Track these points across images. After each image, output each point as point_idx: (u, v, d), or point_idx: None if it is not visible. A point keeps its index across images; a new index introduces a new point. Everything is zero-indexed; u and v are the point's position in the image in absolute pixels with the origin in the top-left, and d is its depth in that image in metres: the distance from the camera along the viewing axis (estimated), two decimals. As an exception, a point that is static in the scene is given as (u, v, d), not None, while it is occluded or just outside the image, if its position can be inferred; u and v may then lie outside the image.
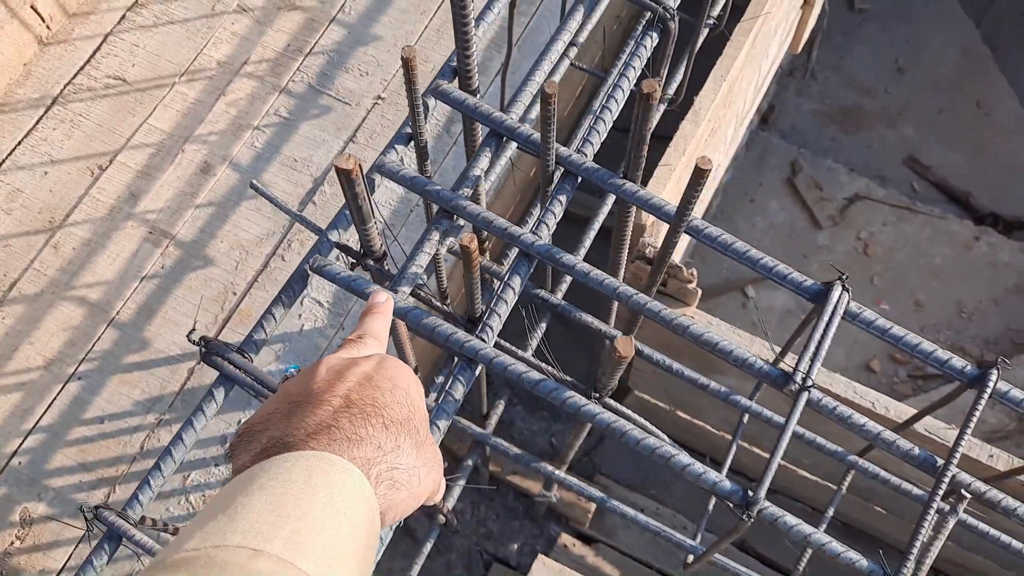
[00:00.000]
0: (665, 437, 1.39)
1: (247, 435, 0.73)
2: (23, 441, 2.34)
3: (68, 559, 2.25)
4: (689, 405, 2.90)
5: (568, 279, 2.15)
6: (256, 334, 1.39)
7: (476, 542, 3.08)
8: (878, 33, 6.17)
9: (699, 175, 1.28)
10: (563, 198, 1.49)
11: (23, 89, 2.72)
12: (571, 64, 2.15)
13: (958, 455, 1.34)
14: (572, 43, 2.23)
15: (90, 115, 2.70)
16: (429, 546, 2.04)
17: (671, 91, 2.24)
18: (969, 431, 1.35)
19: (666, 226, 1.57)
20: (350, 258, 1.47)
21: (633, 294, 1.40)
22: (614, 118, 1.55)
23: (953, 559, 3.32)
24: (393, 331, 1.21)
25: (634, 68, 1.56)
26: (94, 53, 2.78)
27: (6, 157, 2.64)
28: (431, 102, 1.48)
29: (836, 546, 1.31)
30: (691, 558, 1.85)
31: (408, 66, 1.34)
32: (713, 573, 2.42)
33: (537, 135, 1.45)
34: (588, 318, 1.96)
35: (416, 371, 1.25)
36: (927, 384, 4.93)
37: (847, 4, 6.23)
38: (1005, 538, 1.64)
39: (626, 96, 1.57)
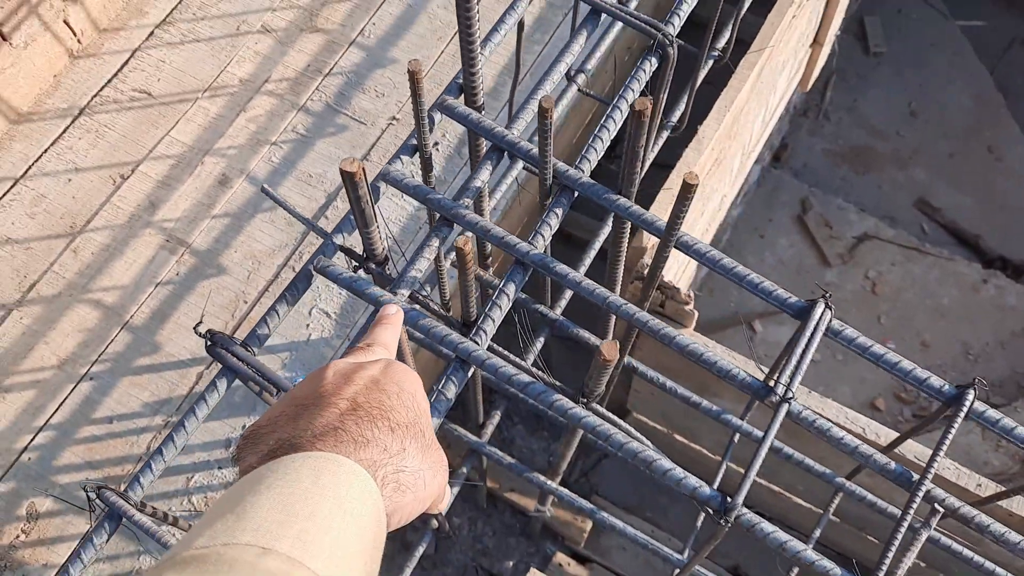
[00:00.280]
0: (649, 443, 1.43)
1: (254, 437, 0.74)
2: (33, 438, 2.41)
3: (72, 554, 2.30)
4: (686, 428, 2.94)
5: (566, 297, 2.20)
6: (260, 329, 1.45)
7: (472, 558, 3.12)
8: (892, 77, 6.25)
9: (687, 189, 1.34)
10: (559, 211, 1.55)
11: (52, 99, 2.82)
12: (578, 90, 2.24)
13: (933, 471, 1.38)
14: (580, 70, 2.32)
15: (115, 126, 2.80)
16: (421, 550, 2.08)
17: (674, 118, 2.31)
18: (945, 447, 1.39)
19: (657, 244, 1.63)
20: (353, 261, 1.53)
21: (622, 304, 1.45)
22: (611, 137, 1.61)
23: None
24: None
25: (632, 91, 1.63)
26: (122, 67, 2.88)
27: (32, 164, 2.73)
28: (446, 126, 1.56)
29: (810, 554, 1.35)
30: (677, 572, 1.89)
31: (414, 79, 1.41)
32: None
33: (536, 150, 1.52)
34: (585, 333, 2.01)
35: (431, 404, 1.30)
36: (933, 424, 4.92)
37: (862, 48, 6.32)
38: (978, 559, 1.67)
39: (624, 117, 1.63)
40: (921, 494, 1.36)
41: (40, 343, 2.51)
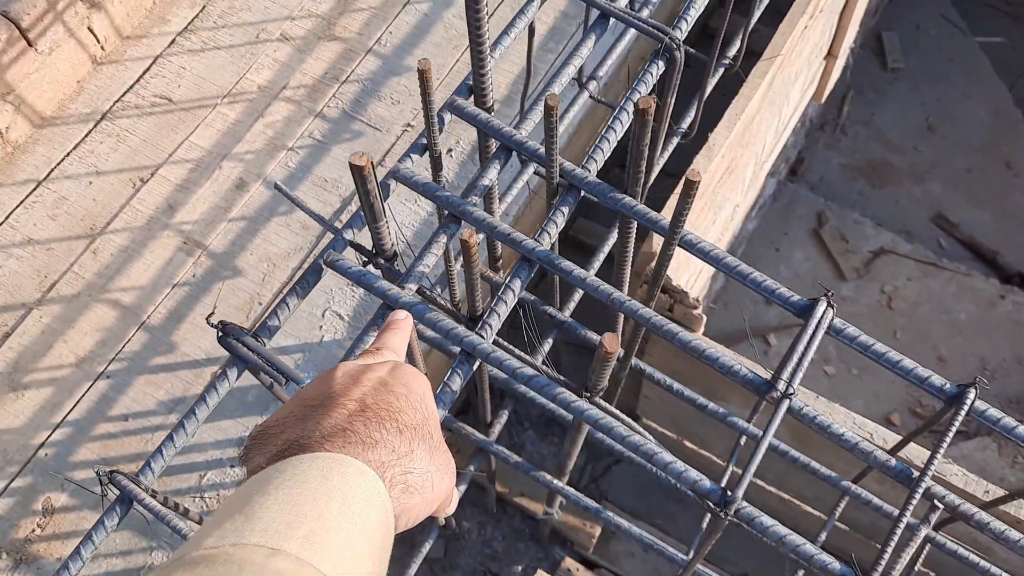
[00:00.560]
0: (650, 436, 1.45)
1: (261, 437, 0.74)
2: (51, 434, 2.45)
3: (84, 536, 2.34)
4: (695, 435, 2.95)
5: (575, 299, 2.23)
6: (270, 321, 1.48)
7: (481, 562, 3.13)
8: (910, 92, 6.24)
9: (689, 186, 1.36)
10: (565, 210, 1.58)
11: (75, 104, 2.88)
12: (590, 97, 2.26)
13: (933, 467, 1.39)
14: (592, 77, 2.35)
15: (136, 131, 2.85)
16: (427, 548, 2.10)
17: (684, 125, 2.33)
18: (945, 444, 1.40)
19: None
20: (363, 257, 1.56)
21: (626, 300, 1.47)
22: (618, 138, 1.64)
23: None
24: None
25: (639, 92, 1.66)
26: (143, 73, 2.94)
27: (55, 167, 2.79)
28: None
29: (809, 548, 1.36)
30: (681, 572, 1.90)
31: (423, 78, 1.45)
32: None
33: (543, 149, 1.55)
34: (593, 335, 2.03)
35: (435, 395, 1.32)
36: (1005, 499, 4.89)
37: (880, 63, 6.33)
38: (984, 564, 1.67)
39: (630, 119, 1.66)
40: (920, 491, 1.36)
41: (59, 341, 2.55)
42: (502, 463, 2.87)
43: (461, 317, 1.55)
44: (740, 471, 1.39)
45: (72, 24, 2.79)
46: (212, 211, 2.73)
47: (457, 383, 1.43)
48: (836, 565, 1.35)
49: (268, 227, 2.71)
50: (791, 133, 4.51)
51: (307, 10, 3.06)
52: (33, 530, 2.35)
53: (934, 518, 1.37)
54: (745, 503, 1.38)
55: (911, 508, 1.36)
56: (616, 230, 2.26)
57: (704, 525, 2.28)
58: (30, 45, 2.69)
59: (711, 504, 1.39)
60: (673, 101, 1.85)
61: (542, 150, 1.56)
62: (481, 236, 2.31)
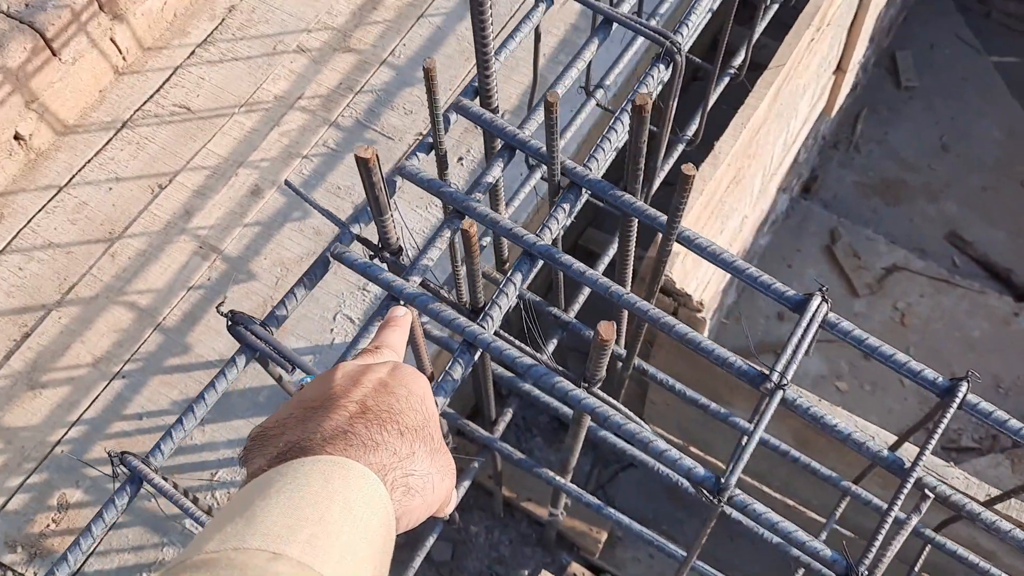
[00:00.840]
0: (646, 425, 1.48)
1: (261, 438, 0.73)
2: (67, 431, 2.50)
3: (97, 543, 2.38)
4: (701, 441, 2.96)
5: (580, 301, 2.26)
6: (278, 310, 1.53)
7: (488, 565, 3.15)
8: (924, 111, 6.26)
9: (685, 181, 1.40)
10: (567, 206, 1.62)
11: (97, 113, 2.96)
12: (597, 105, 2.31)
13: (924, 457, 1.41)
14: (599, 85, 2.40)
15: (155, 139, 2.92)
16: (432, 540, 2.13)
17: (689, 133, 2.37)
18: (937, 436, 1.42)
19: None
20: (368, 250, 1.61)
21: (623, 293, 1.51)
22: (619, 138, 1.68)
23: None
24: (410, 339, 1.32)
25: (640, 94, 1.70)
26: (163, 83, 3.02)
27: (76, 173, 2.86)
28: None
29: (801, 535, 1.39)
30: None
31: (428, 76, 1.50)
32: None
33: (545, 147, 1.59)
34: (597, 336, 2.07)
35: (432, 379, 1.36)
36: (960, 457, 4.88)
37: (894, 82, 6.36)
38: (984, 564, 1.68)
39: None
40: (912, 481, 1.39)
41: (76, 342, 2.61)
42: (508, 466, 2.90)
43: (463, 309, 1.59)
44: (751, 481, 1.42)
45: (95, 35, 2.87)
46: (228, 216, 2.79)
47: (458, 372, 1.47)
48: (827, 552, 1.38)
49: (282, 232, 2.77)
50: (802, 149, 4.54)
51: (323, 23, 3.13)
52: (48, 525, 2.40)
53: (924, 507, 1.39)
54: (739, 491, 1.40)
55: (902, 497, 1.38)
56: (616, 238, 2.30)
57: (715, 526, 2.30)
58: (54, 55, 2.78)
59: (705, 492, 1.42)
60: (675, 105, 1.90)
61: (543, 148, 1.61)
62: (488, 240, 2.36)
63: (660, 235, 1.67)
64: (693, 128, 2.37)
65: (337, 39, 3.10)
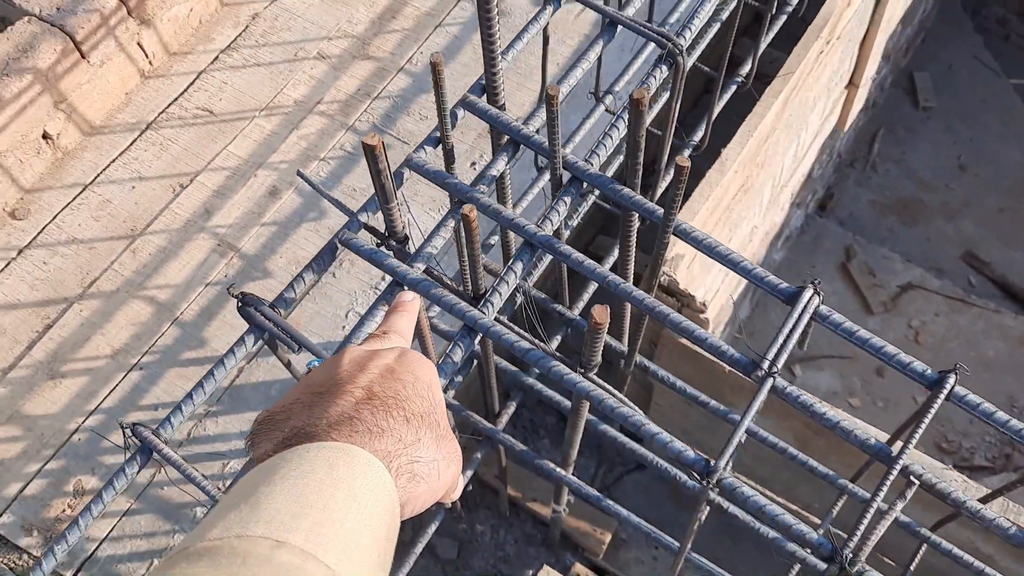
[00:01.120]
0: (639, 410, 1.52)
1: (267, 423, 0.73)
2: (84, 420, 2.57)
3: (111, 530, 2.45)
4: (705, 444, 2.98)
5: (584, 299, 2.31)
6: (287, 293, 1.59)
7: (493, 564, 3.19)
8: (942, 131, 6.28)
9: (679, 172, 1.45)
10: (568, 199, 1.67)
11: (122, 114, 3.05)
12: (606, 110, 2.36)
13: (911, 445, 1.45)
14: (608, 92, 2.45)
15: (178, 140, 3.01)
16: (435, 526, 2.17)
17: (695, 139, 2.42)
18: (924, 424, 1.45)
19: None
20: (376, 238, 1.67)
21: (620, 282, 1.56)
22: (621, 135, 1.73)
23: None
24: (417, 331, 1.36)
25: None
26: (187, 87, 3.11)
27: (101, 171, 2.95)
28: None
29: (788, 518, 1.42)
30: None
31: (436, 70, 1.56)
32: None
33: (547, 142, 1.65)
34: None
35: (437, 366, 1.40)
36: (973, 476, 4.86)
37: (911, 102, 6.38)
38: (978, 564, 1.70)
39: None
40: (898, 468, 1.42)
41: (96, 334, 2.69)
42: (514, 466, 2.94)
43: (465, 295, 1.65)
44: (744, 478, 1.46)
45: (123, 39, 2.97)
46: (246, 216, 2.86)
47: (459, 355, 1.51)
48: (813, 535, 1.41)
49: (298, 232, 2.84)
50: (816, 164, 4.58)
51: (343, 31, 3.21)
52: (64, 510, 2.46)
53: (909, 494, 1.42)
54: (728, 474, 1.44)
55: (888, 483, 1.41)
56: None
57: (714, 534, 2.33)
58: (83, 57, 2.87)
59: (695, 474, 1.45)
60: (678, 107, 1.95)
61: (546, 143, 1.66)
62: (496, 238, 2.42)
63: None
64: (699, 135, 2.42)
65: (356, 47, 3.18)
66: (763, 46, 2.47)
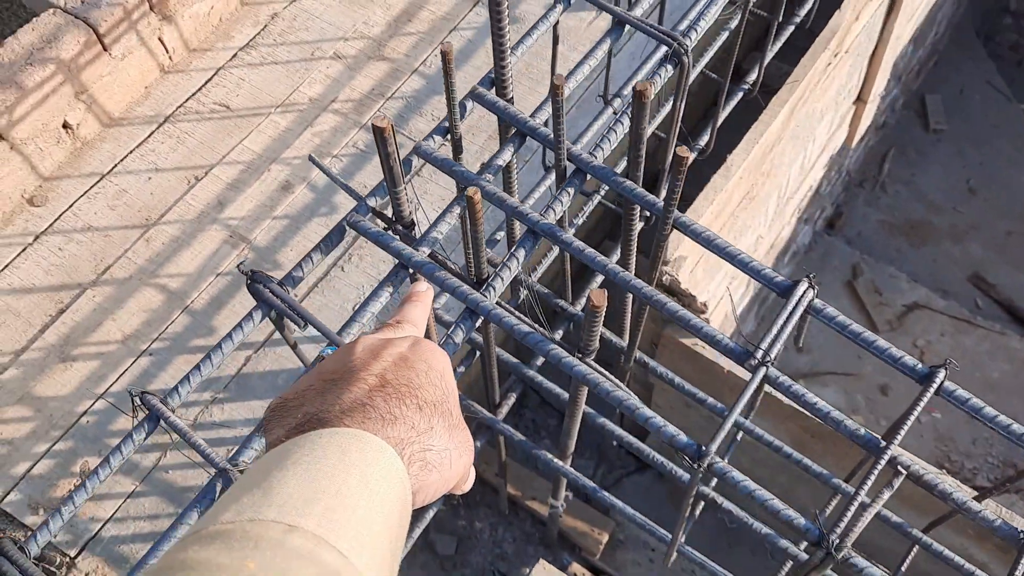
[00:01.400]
0: (633, 394, 1.56)
1: (281, 409, 0.74)
2: (93, 403, 2.62)
3: (116, 511, 2.49)
4: (704, 447, 3.02)
5: (586, 295, 2.34)
6: (295, 272, 1.63)
7: (491, 561, 3.22)
8: (952, 154, 6.31)
9: (678, 163, 1.49)
10: (571, 190, 1.72)
11: (141, 107, 3.12)
12: (614, 113, 2.41)
13: (899, 436, 1.48)
14: (617, 95, 2.50)
15: (194, 134, 3.07)
16: (433, 512, 2.20)
17: (701, 143, 2.46)
18: (913, 416, 1.48)
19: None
20: (383, 223, 1.71)
21: (619, 271, 1.60)
22: (625, 131, 1.78)
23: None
24: None
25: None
26: (206, 83, 3.17)
27: (119, 162, 3.01)
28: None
29: (777, 503, 1.45)
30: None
31: (445, 59, 1.61)
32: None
33: (551, 134, 1.69)
34: (604, 331, 2.15)
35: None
36: (982, 495, 4.85)
37: (922, 124, 6.41)
38: (968, 566, 1.72)
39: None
40: (886, 458, 1.45)
41: (108, 319, 2.74)
42: (514, 464, 2.97)
43: (468, 279, 1.69)
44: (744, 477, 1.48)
45: (145, 34, 3.04)
46: (258, 209, 2.91)
47: (460, 336, 1.56)
48: (801, 520, 1.44)
49: (309, 226, 2.89)
50: (825, 180, 4.61)
51: (360, 32, 3.28)
52: (70, 490, 2.50)
53: (897, 483, 1.45)
54: (718, 458, 1.47)
55: (875, 473, 1.44)
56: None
57: (710, 538, 2.36)
58: (105, 50, 2.94)
59: (687, 458, 1.49)
60: (682, 107, 1.99)
61: (551, 135, 1.71)
62: (502, 234, 2.46)
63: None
64: (704, 139, 2.46)
65: (372, 48, 3.24)
66: (770, 55, 2.51)
